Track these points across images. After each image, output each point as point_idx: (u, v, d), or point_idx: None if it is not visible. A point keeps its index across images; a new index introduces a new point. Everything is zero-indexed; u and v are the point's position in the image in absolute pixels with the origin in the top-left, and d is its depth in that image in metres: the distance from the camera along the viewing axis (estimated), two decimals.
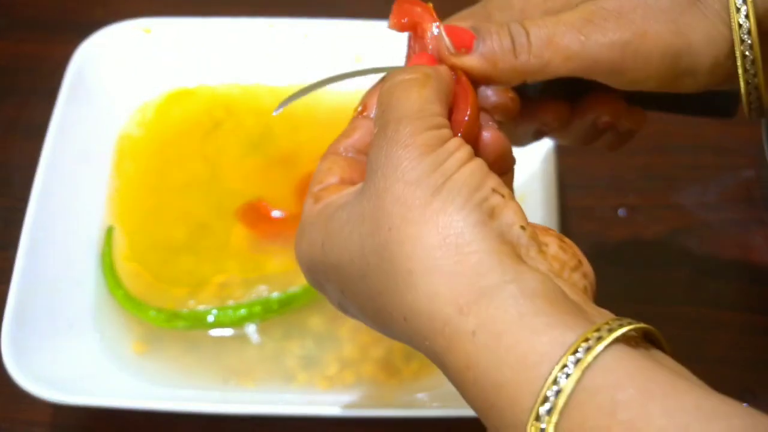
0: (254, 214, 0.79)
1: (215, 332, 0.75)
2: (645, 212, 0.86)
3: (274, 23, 0.85)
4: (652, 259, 0.84)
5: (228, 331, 0.75)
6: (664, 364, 0.42)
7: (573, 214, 0.86)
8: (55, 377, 0.68)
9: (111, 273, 0.76)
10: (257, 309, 0.74)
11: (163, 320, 0.74)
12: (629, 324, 0.42)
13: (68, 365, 0.70)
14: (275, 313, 0.75)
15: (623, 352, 0.41)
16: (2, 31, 0.98)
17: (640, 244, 0.85)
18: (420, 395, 0.71)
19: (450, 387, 0.70)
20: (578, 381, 0.39)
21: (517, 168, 0.79)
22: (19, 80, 0.94)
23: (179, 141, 0.84)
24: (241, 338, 0.75)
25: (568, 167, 0.87)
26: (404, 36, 0.82)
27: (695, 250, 0.84)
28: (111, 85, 0.83)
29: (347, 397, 0.71)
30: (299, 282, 0.76)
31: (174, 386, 0.72)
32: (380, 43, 0.84)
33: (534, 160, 0.78)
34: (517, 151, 0.79)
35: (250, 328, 0.75)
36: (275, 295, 0.75)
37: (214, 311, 0.74)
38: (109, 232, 0.78)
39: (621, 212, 0.86)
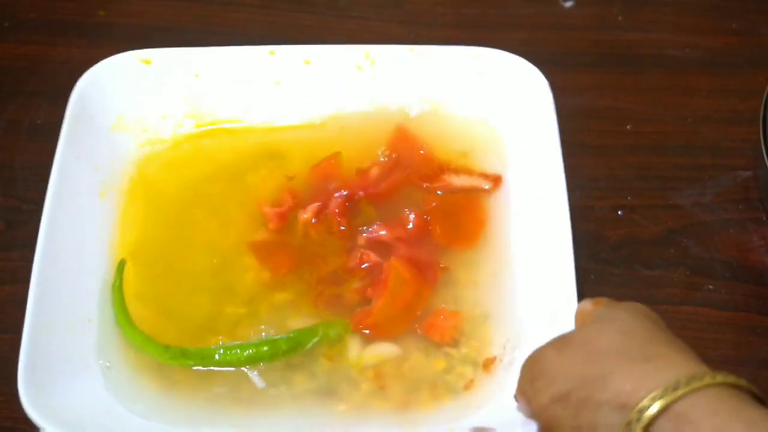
0: (266, 250, 0.79)
1: (226, 372, 0.74)
2: (643, 212, 0.87)
3: (275, 50, 0.84)
4: (651, 259, 0.84)
5: (238, 372, 0.73)
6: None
7: (572, 214, 0.85)
8: (69, 415, 0.67)
9: (121, 308, 0.75)
10: (265, 349, 0.73)
11: (171, 358, 0.73)
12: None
13: (82, 403, 0.69)
14: (283, 354, 0.74)
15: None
16: (5, 33, 0.98)
17: (638, 244, 0.85)
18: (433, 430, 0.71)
19: (465, 421, 0.70)
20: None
21: (525, 170, 0.80)
22: (23, 81, 0.94)
23: (189, 174, 0.83)
24: (251, 379, 0.73)
25: (567, 168, 0.87)
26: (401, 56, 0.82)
27: (693, 250, 0.85)
28: (113, 117, 0.82)
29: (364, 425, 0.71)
30: (307, 323, 0.75)
31: (185, 426, 0.71)
32: (383, 65, 0.85)
33: (542, 161, 0.78)
34: (524, 153, 0.80)
35: (260, 369, 0.73)
36: (284, 336, 0.74)
37: (221, 350, 0.73)
38: (120, 265, 0.77)
39: (619, 212, 0.87)
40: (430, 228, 0.79)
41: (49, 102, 0.92)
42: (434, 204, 0.81)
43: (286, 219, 0.80)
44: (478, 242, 0.79)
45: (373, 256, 0.77)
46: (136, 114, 0.84)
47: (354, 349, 0.74)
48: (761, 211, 0.86)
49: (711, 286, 0.83)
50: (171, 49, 0.84)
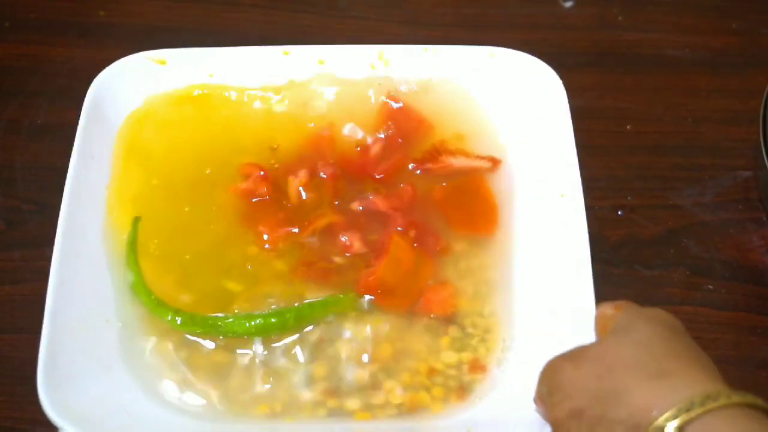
0: (258, 219, 0.79)
1: (244, 359, 0.73)
2: (643, 212, 0.87)
3: (289, 50, 0.84)
4: (651, 259, 0.84)
5: (256, 359, 0.73)
6: None
7: None
8: (87, 413, 0.67)
9: (134, 267, 0.75)
10: (273, 321, 0.74)
11: (181, 324, 0.73)
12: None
13: (100, 401, 0.69)
14: (291, 327, 0.74)
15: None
16: (5, 33, 0.98)
17: (638, 244, 0.85)
18: (447, 421, 0.71)
19: (476, 413, 0.70)
20: None
21: (543, 173, 0.80)
22: (23, 81, 0.94)
23: (200, 164, 0.82)
24: (269, 365, 0.73)
25: None
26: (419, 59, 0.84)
27: (693, 250, 0.85)
28: (127, 115, 0.82)
29: (374, 424, 0.71)
30: (315, 296, 0.75)
31: (201, 418, 0.71)
32: (396, 66, 0.85)
33: (559, 164, 0.78)
34: (541, 158, 0.80)
35: (279, 353, 0.74)
36: (291, 307, 0.74)
37: (230, 319, 0.74)
38: (135, 222, 0.77)
39: (619, 212, 0.87)
40: (432, 206, 0.80)
41: (49, 102, 0.92)
42: (443, 185, 0.81)
43: (268, 184, 0.80)
44: (486, 229, 0.79)
45: (357, 246, 0.77)
46: (148, 112, 0.83)
47: (352, 324, 0.75)
48: (761, 211, 0.86)
49: (711, 286, 0.83)
50: (185, 49, 0.84)
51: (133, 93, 0.82)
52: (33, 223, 0.85)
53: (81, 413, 0.67)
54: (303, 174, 0.80)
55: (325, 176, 0.81)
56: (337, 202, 0.80)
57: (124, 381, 0.72)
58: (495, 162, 0.82)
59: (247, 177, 0.81)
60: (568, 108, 0.79)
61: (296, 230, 0.79)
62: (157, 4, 1.01)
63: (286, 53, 0.84)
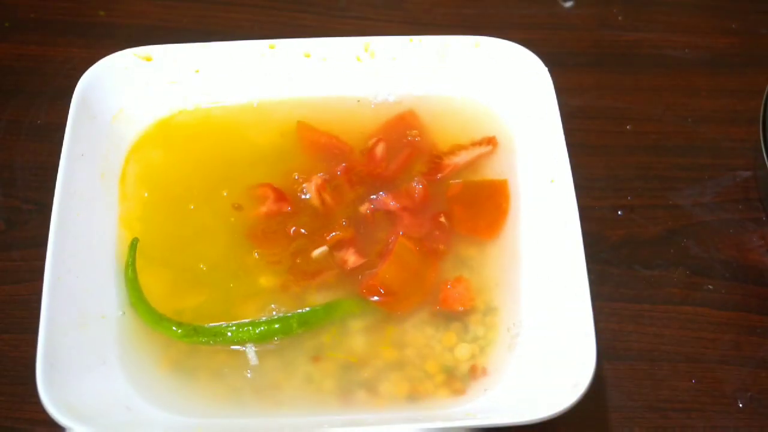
0: (264, 233, 0.79)
1: (243, 360, 0.74)
2: (643, 212, 0.87)
3: (275, 44, 0.84)
4: (651, 259, 0.84)
5: (255, 358, 0.74)
6: None
7: None
8: (87, 410, 0.67)
9: (133, 286, 0.75)
10: (276, 327, 0.74)
11: (183, 335, 0.74)
12: None
13: (99, 397, 0.70)
14: (295, 332, 0.74)
15: None
16: (6, 33, 0.98)
17: (638, 244, 0.85)
18: (448, 410, 0.71)
19: (477, 404, 0.70)
20: None
21: (533, 174, 0.80)
22: (23, 81, 0.94)
23: (190, 164, 0.83)
24: (269, 364, 0.74)
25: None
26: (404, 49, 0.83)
27: (693, 250, 0.85)
28: (114, 112, 0.82)
29: (380, 416, 0.71)
30: (319, 300, 0.76)
31: (201, 416, 0.72)
32: (384, 56, 0.85)
33: (549, 163, 0.78)
34: (532, 157, 0.80)
35: (277, 353, 0.74)
36: (295, 313, 0.75)
37: (233, 327, 0.74)
38: (133, 244, 0.77)
39: (619, 212, 0.87)
40: (441, 207, 0.80)
41: (49, 102, 0.92)
42: (458, 182, 0.81)
43: (287, 201, 0.80)
44: (493, 232, 0.79)
45: (353, 261, 0.77)
46: (136, 108, 0.84)
47: (355, 326, 0.75)
48: (761, 211, 0.86)
49: (711, 286, 0.83)
50: (170, 45, 0.84)
51: (120, 90, 0.83)
52: (33, 223, 0.85)
53: (81, 409, 0.67)
54: (318, 179, 0.80)
55: (340, 178, 0.81)
56: (344, 222, 0.79)
57: (121, 377, 0.72)
58: (492, 142, 0.82)
59: (264, 199, 0.81)
60: (554, 90, 0.79)
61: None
62: (157, 4, 1.01)
63: (272, 47, 0.84)
